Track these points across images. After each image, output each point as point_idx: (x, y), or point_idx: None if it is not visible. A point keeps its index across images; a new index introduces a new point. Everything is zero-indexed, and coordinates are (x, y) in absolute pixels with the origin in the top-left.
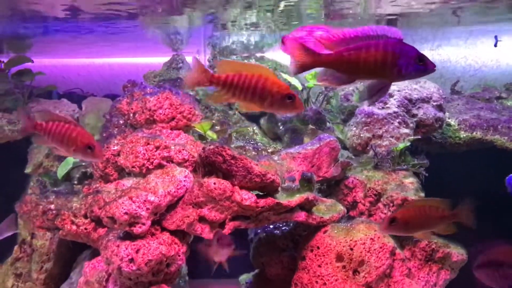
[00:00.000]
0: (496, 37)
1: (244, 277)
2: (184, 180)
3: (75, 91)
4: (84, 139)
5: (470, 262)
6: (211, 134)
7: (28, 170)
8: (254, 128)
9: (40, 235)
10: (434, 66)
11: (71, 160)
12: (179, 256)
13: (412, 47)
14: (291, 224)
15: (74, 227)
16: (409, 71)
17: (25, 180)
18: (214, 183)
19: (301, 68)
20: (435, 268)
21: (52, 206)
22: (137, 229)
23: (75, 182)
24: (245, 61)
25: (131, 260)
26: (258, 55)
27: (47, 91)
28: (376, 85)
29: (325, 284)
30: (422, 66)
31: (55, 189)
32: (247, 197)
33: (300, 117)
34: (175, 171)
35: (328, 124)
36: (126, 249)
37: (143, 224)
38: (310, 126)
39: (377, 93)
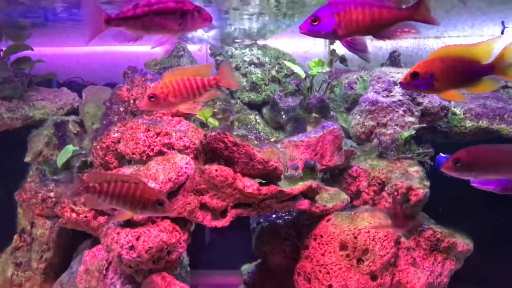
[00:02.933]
0: (503, 23)
1: (246, 267)
2: (185, 167)
3: (75, 80)
4: (152, 196)
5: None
6: (212, 121)
7: (27, 158)
8: (256, 117)
9: (40, 224)
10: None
11: (70, 148)
12: (180, 243)
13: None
14: (294, 213)
15: (74, 215)
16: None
17: (24, 169)
18: (216, 170)
19: None
20: (440, 258)
21: (52, 194)
22: (137, 216)
23: (75, 170)
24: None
25: (132, 248)
26: (261, 43)
27: (46, 79)
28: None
29: (328, 273)
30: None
31: (54, 177)
32: (249, 184)
33: (303, 105)
34: (176, 158)
35: (331, 112)
36: (127, 236)
37: None
38: (313, 115)
39: None
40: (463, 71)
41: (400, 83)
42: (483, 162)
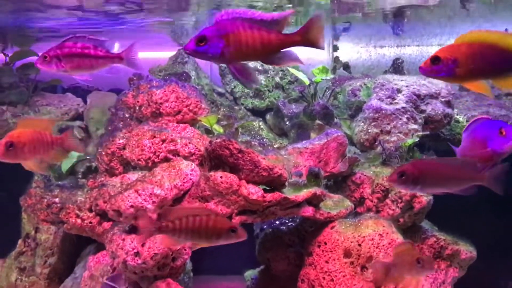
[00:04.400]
0: (506, 30)
1: (250, 273)
2: (191, 174)
3: (79, 85)
4: (224, 225)
5: None
6: (217, 128)
7: None
8: (260, 123)
9: (44, 229)
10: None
11: (75, 154)
12: (185, 250)
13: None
14: (298, 220)
15: (79, 220)
16: None
17: (28, 174)
18: (221, 177)
19: None
20: (444, 266)
21: (57, 200)
22: (139, 223)
23: (80, 176)
24: None
25: (137, 254)
26: None
27: (51, 85)
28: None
29: (332, 280)
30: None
31: (59, 183)
32: (254, 191)
33: (307, 112)
34: (182, 165)
35: (335, 119)
36: (132, 242)
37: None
38: (317, 121)
39: None
40: (493, 60)
41: (419, 68)
42: (428, 176)
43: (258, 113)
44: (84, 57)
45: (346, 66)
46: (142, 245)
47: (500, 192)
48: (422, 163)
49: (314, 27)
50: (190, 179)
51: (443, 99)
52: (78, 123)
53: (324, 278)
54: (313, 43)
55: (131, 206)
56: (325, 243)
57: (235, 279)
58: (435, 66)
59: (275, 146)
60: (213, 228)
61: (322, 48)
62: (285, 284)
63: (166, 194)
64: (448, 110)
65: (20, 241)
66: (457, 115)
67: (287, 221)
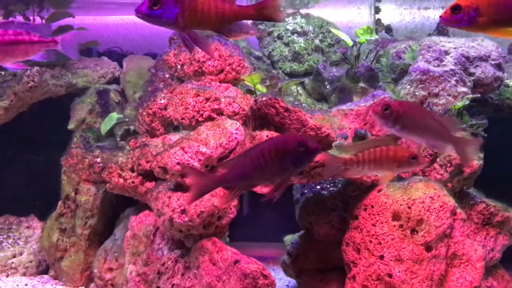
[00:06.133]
0: None
1: (290, 238)
2: (236, 133)
3: (114, 49)
4: (405, 153)
5: None
6: (260, 88)
7: (71, 126)
8: (298, 88)
9: (84, 191)
10: None
11: (115, 116)
12: (231, 209)
13: None
14: (339, 185)
15: (121, 180)
16: None
17: (64, 137)
18: (267, 136)
19: None
20: (493, 233)
21: (98, 160)
22: (189, 180)
23: (118, 138)
24: None
25: (183, 211)
26: (304, 12)
27: (86, 49)
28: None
29: (380, 243)
30: None
31: (99, 144)
32: None
33: (350, 75)
34: (226, 123)
35: (379, 82)
36: (178, 200)
37: None
38: (361, 84)
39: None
40: None
41: (440, 17)
42: (411, 119)
43: (296, 77)
44: (18, 43)
45: (388, 29)
46: (189, 203)
47: (465, 164)
48: (409, 104)
49: (271, 4)
50: (235, 138)
51: (493, 62)
52: (114, 86)
53: (371, 241)
54: (270, 17)
55: (178, 163)
56: (372, 206)
57: (269, 246)
58: (456, 15)
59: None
60: (394, 157)
61: (281, 21)
62: (327, 248)
63: (211, 153)
64: (499, 73)
65: (60, 203)
66: (507, 79)
67: (328, 186)
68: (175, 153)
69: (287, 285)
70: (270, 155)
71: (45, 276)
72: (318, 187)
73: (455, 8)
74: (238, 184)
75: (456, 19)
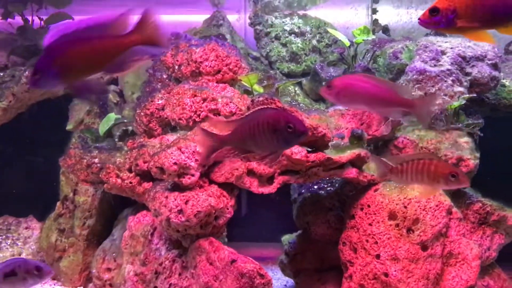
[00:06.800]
0: None
1: (287, 237)
2: None
3: None
4: (446, 170)
5: None
6: (257, 88)
7: (69, 126)
8: (296, 88)
9: (82, 191)
10: None
11: (113, 116)
12: (228, 209)
13: None
14: (337, 185)
15: (119, 180)
16: None
17: (63, 138)
18: None
19: None
20: (489, 232)
21: (96, 160)
22: (186, 180)
23: (116, 139)
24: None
25: (180, 211)
26: (301, 12)
27: None
28: None
29: (376, 242)
30: None
31: (97, 144)
32: (297, 151)
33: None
34: None
35: None
36: (175, 200)
37: (192, 175)
38: None
39: None
40: (496, 7)
41: (418, 19)
42: (353, 91)
43: (294, 78)
44: None
45: (386, 29)
46: (186, 203)
47: (424, 124)
48: (351, 77)
49: (147, 23)
50: None
51: (489, 62)
52: (113, 87)
53: (367, 240)
54: (153, 42)
55: (175, 163)
56: (369, 206)
57: (268, 246)
58: (434, 18)
59: None
60: (435, 171)
61: (166, 46)
62: (324, 247)
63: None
64: (495, 73)
65: (58, 204)
66: (504, 79)
67: (325, 185)
68: (172, 153)
69: (285, 285)
70: (262, 127)
71: None
72: (315, 186)
73: (433, 10)
74: (238, 146)
75: (435, 21)
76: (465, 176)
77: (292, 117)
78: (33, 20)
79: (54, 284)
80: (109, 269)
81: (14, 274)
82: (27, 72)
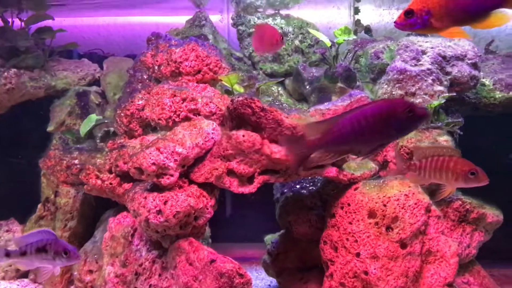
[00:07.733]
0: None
1: (270, 237)
2: (212, 133)
3: (95, 51)
4: (465, 167)
5: None
6: (238, 88)
7: (50, 128)
8: (279, 88)
9: (63, 193)
10: None
11: (94, 117)
12: (207, 209)
13: None
14: (319, 184)
15: (99, 181)
16: None
17: (45, 139)
18: (243, 135)
19: None
20: (469, 229)
21: (76, 161)
22: (165, 181)
23: (98, 140)
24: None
25: (159, 212)
26: (283, 12)
27: (67, 51)
28: None
29: (356, 241)
30: None
31: (78, 146)
32: (277, 150)
33: (328, 75)
34: (203, 124)
35: (358, 82)
36: (154, 200)
37: (171, 175)
38: (339, 84)
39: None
40: (467, 5)
41: (394, 22)
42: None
43: (277, 78)
44: None
45: (368, 29)
46: (164, 203)
47: None
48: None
49: None
50: (212, 138)
51: (469, 61)
52: (95, 88)
53: (347, 239)
54: None
55: (153, 164)
56: (349, 205)
57: (252, 247)
58: (410, 19)
59: None
60: (454, 169)
61: None
62: (306, 247)
63: (188, 153)
64: (475, 72)
65: (39, 205)
66: (483, 78)
67: (307, 185)
68: (150, 153)
69: (269, 285)
70: (374, 118)
71: (25, 280)
72: (298, 186)
73: (408, 13)
74: (334, 149)
75: (410, 23)
76: (484, 174)
77: (410, 102)
78: (13, 21)
79: (36, 287)
80: (90, 271)
81: (45, 250)
82: (6, 73)
